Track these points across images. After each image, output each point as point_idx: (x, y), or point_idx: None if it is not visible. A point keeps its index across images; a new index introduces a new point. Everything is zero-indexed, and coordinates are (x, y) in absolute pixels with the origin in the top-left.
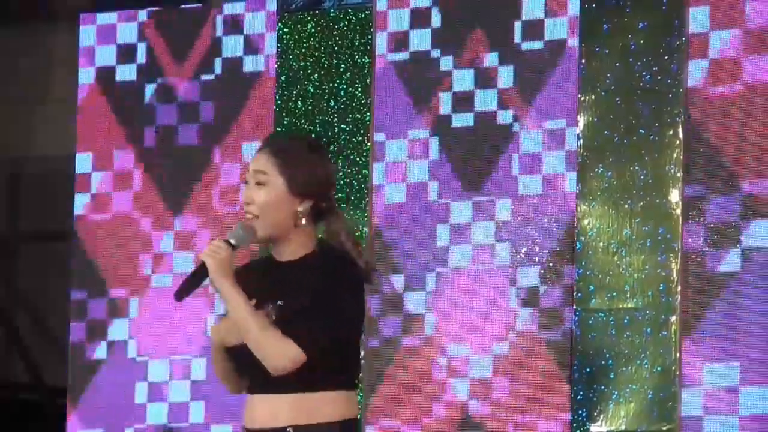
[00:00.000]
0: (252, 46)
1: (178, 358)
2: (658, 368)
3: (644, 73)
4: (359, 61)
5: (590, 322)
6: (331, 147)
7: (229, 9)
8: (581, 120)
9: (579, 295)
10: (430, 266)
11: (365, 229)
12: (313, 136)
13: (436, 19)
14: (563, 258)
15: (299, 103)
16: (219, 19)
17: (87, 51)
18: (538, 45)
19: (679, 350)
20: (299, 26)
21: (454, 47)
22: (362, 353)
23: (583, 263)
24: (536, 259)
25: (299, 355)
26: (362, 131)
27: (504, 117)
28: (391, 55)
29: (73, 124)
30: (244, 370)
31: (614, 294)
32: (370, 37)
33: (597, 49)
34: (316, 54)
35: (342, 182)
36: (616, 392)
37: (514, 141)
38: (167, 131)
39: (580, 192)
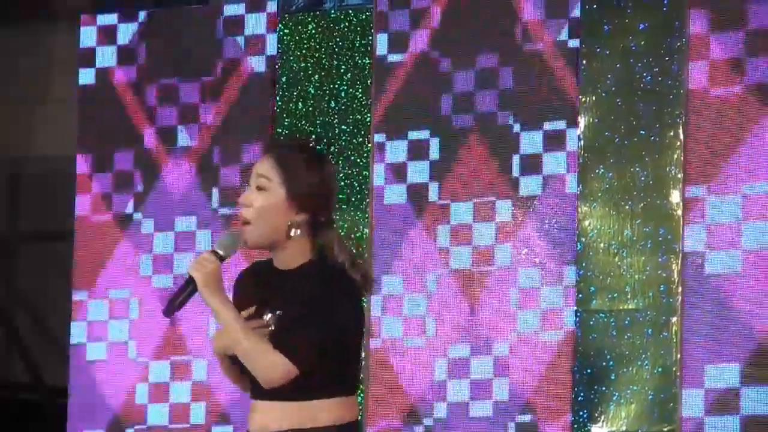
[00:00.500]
0: (252, 47)
1: (178, 359)
2: (659, 369)
3: (645, 74)
4: (360, 62)
5: (591, 323)
6: (332, 148)
7: (229, 10)
8: (582, 121)
9: (580, 296)
10: (430, 267)
11: (365, 230)
12: (319, 147)
13: (437, 20)
14: (564, 259)
15: (300, 104)
16: (220, 21)
17: (87, 52)
18: (538, 46)
19: (679, 351)
20: (300, 27)
21: (454, 48)
22: (362, 355)
23: (584, 264)
24: (537, 260)
25: (290, 369)
26: (363, 132)
27: (504, 118)
28: (391, 56)
29: (73, 124)
30: (246, 374)
31: (615, 295)
32: (370, 38)
33: (598, 50)
34: (317, 55)
35: (342, 183)
36: (617, 393)
37: (515, 142)
38: (167, 131)
39: (580, 193)
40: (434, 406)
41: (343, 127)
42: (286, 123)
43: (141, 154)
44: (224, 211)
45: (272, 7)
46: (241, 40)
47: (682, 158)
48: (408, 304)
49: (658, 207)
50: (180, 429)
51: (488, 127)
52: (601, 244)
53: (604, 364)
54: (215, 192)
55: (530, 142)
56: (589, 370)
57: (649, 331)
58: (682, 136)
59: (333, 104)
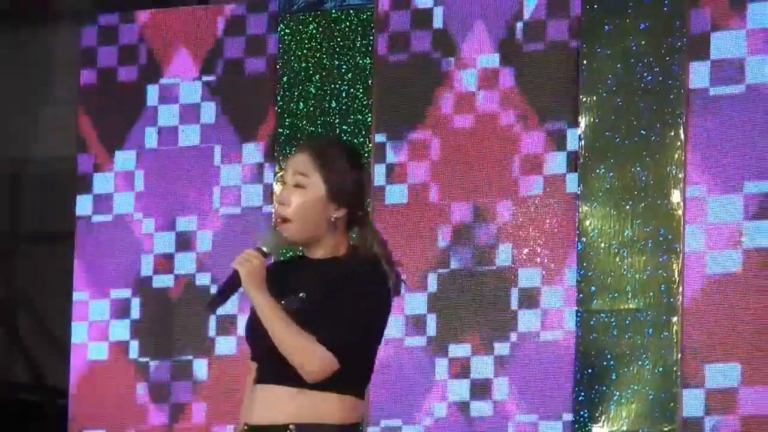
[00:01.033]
0: (253, 47)
1: (179, 359)
2: (660, 369)
3: (646, 74)
4: (361, 62)
5: (592, 322)
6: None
7: (231, 10)
8: (583, 121)
9: (580, 295)
10: (431, 267)
11: None
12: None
13: (438, 20)
14: (565, 259)
15: (301, 104)
16: (221, 20)
17: (89, 52)
18: (540, 46)
19: (680, 351)
20: (301, 27)
21: (455, 48)
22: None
23: (585, 264)
24: (538, 260)
25: (333, 362)
26: (363, 132)
27: (504, 118)
28: (392, 56)
29: (75, 125)
30: (258, 358)
31: (616, 295)
32: (371, 38)
33: (598, 50)
34: (318, 55)
35: None
36: (617, 393)
37: (515, 142)
38: (168, 131)
39: (581, 193)
40: (434, 405)
41: (344, 127)
42: (287, 123)
43: (142, 154)
44: (225, 210)
45: (273, 6)
46: (242, 40)
47: (683, 158)
48: (409, 303)
49: (658, 207)
50: (181, 429)
51: (489, 127)
52: (602, 244)
53: (604, 363)
54: (216, 192)
55: (531, 142)
56: (589, 370)
57: (650, 330)
58: (682, 136)
59: (334, 104)
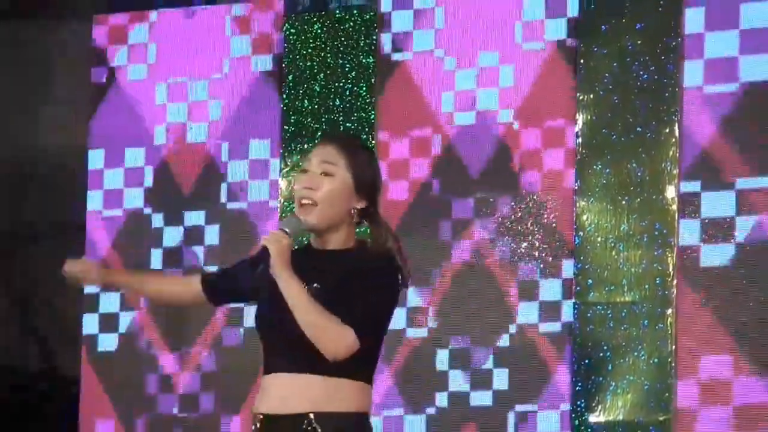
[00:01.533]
0: (259, 47)
1: (187, 350)
2: (655, 360)
3: (641, 73)
4: (364, 61)
5: (589, 315)
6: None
7: (237, 10)
8: (580, 118)
9: (578, 288)
10: (433, 261)
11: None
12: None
13: (440, 20)
14: (562, 253)
15: (306, 101)
16: (228, 20)
17: (100, 51)
18: (538, 45)
19: (674, 342)
20: (306, 27)
21: (457, 47)
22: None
23: (582, 258)
24: (536, 254)
25: (355, 341)
26: (367, 129)
27: (505, 116)
28: (395, 54)
29: (87, 121)
30: (271, 348)
31: (612, 288)
32: (374, 37)
33: (595, 49)
34: (322, 54)
35: None
36: (613, 383)
37: (515, 139)
38: (176, 128)
39: (578, 188)
40: (436, 395)
41: (347, 124)
42: (292, 120)
43: (151, 150)
44: (232, 205)
45: (279, 7)
46: (248, 39)
47: (677, 154)
48: (411, 296)
49: (653, 202)
50: (189, 418)
51: (487, 124)
52: (599, 238)
53: (601, 354)
54: (223, 187)
55: (530, 138)
56: (586, 361)
57: (645, 322)
58: (677, 133)
59: (338, 102)
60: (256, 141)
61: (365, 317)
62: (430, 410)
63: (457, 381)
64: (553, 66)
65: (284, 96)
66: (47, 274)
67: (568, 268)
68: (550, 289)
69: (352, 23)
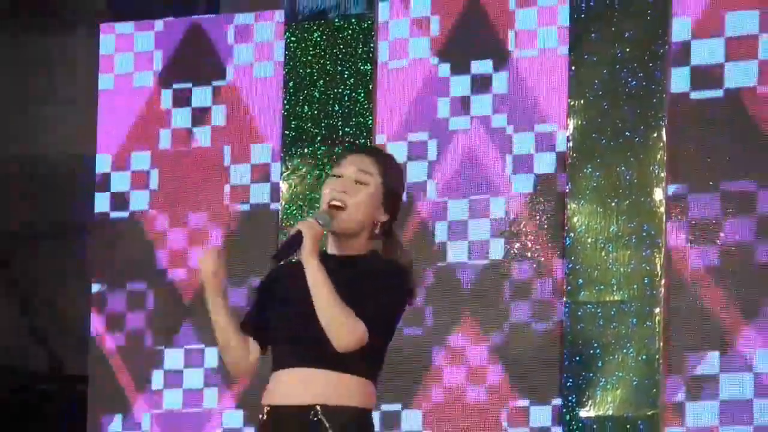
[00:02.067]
0: (261, 54)
1: (192, 347)
2: (643, 357)
3: (630, 80)
4: (362, 68)
5: (579, 313)
6: (336, 149)
7: (240, 19)
8: (571, 123)
9: (569, 288)
10: (429, 261)
11: None
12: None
13: (435, 28)
14: (554, 253)
15: (306, 107)
16: (231, 29)
17: (107, 58)
18: (531, 53)
19: (662, 340)
20: (306, 35)
21: (451, 54)
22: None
23: (573, 258)
24: (529, 254)
25: (366, 334)
26: (365, 134)
27: (498, 120)
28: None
29: (94, 126)
30: (281, 344)
31: (602, 287)
32: (372, 45)
33: (586, 56)
34: (322, 61)
35: None
36: (603, 379)
37: (508, 143)
38: (181, 133)
39: (570, 191)
40: (432, 390)
41: (346, 129)
42: (293, 125)
43: (156, 153)
44: (235, 207)
45: (280, 16)
46: (250, 47)
47: (664, 158)
48: None
49: (642, 204)
50: (193, 413)
51: (483, 129)
52: (589, 239)
53: (591, 351)
54: (226, 190)
55: (522, 143)
56: (577, 358)
57: (634, 321)
58: (664, 138)
59: (337, 107)
60: (257, 145)
61: (376, 316)
62: (427, 405)
63: (453, 376)
64: (545, 73)
65: (285, 102)
66: (49, 275)
67: (559, 268)
68: (542, 289)
69: (350, 31)
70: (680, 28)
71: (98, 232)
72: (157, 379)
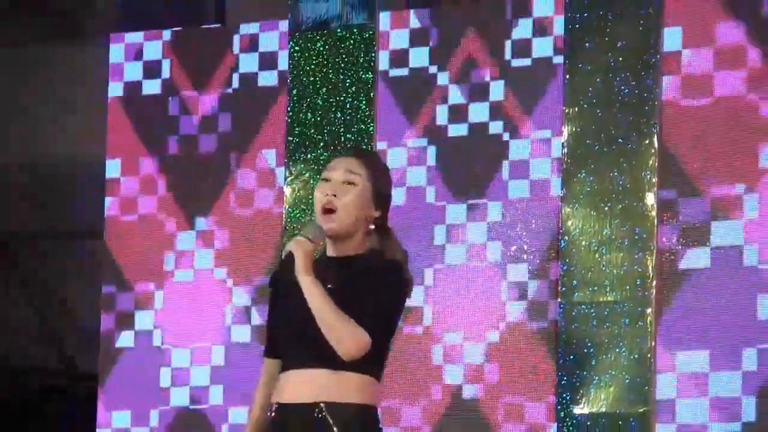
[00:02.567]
0: (266, 63)
1: (198, 345)
2: (635, 356)
3: (623, 88)
4: (363, 76)
5: (574, 313)
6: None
7: (245, 29)
8: (566, 130)
9: (563, 289)
10: (428, 263)
11: None
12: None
13: (433, 38)
14: (549, 256)
15: (309, 114)
16: (236, 39)
17: (116, 67)
18: (527, 62)
19: (654, 339)
20: (309, 45)
21: (449, 63)
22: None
23: (567, 260)
24: (525, 256)
25: (368, 343)
26: (366, 140)
27: (495, 127)
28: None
29: (104, 133)
30: (285, 346)
31: (595, 288)
32: (373, 54)
33: (580, 65)
34: (325, 70)
35: None
36: (597, 377)
37: (505, 149)
38: (189, 140)
39: (564, 196)
40: (431, 388)
41: (348, 135)
42: (296, 132)
43: (164, 159)
44: (239, 212)
45: (284, 26)
46: (255, 56)
47: (656, 164)
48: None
49: (634, 208)
50: (199, 410)
51: (480, 136)
52: (583, 242)
53: (585, 351)
54: (232, 195)
55: (518, 149)
56: (571, 357)
57: (626, 321)
58: (656, 144)
59: (339, 115)
60: (265, 150)
61: (376, 314)
62: (425, 402)
63: (451, 375)
64: (540, 81)
65: (289, 109)
66: (59, 276)
67: (554, 270)
68: (537, 290)
69: (352, 41)
70: (671, 38)
71: (109, 234)
72: (165, 377)
